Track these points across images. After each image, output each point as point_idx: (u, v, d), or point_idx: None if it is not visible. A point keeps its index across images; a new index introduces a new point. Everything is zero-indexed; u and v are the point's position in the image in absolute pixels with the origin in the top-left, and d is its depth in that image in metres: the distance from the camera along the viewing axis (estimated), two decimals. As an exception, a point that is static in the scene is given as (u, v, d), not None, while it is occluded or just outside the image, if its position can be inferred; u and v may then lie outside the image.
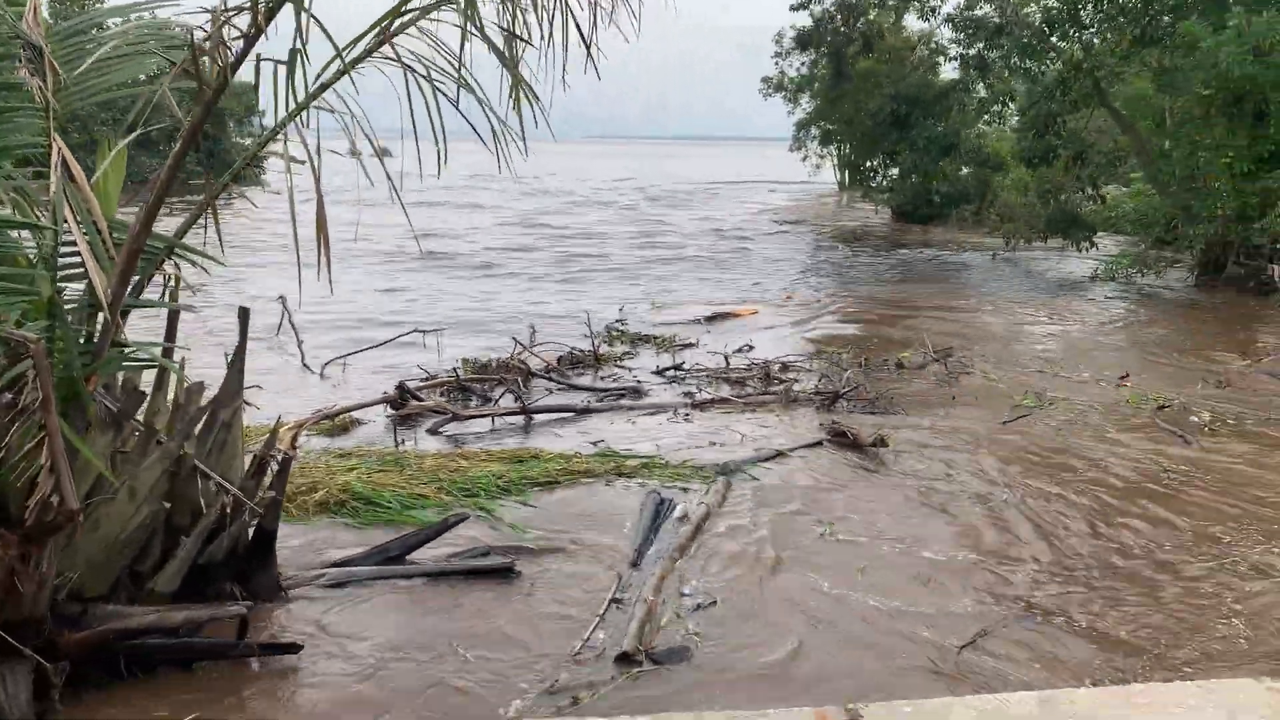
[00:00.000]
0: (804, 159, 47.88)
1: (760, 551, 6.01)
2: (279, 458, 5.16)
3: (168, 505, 4.49)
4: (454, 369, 10.38)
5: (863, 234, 30.24)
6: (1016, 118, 23.62)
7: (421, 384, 9.75)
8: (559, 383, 10.59)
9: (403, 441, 8.20)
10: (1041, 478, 7.43)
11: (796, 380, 10.32)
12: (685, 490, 6.93)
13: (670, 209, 39.09)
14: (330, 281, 4.05)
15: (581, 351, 11.93)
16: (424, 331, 12.41)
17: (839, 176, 49.41)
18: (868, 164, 37.37)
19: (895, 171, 35.08)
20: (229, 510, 4.79)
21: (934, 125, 25.90)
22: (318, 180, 4.04)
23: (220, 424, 4.93)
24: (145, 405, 4.49)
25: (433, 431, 8.59)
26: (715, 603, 5.33)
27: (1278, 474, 7.66)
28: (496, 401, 9.49)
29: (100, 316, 4.10)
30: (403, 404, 9.29)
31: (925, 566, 5.83)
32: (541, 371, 10.95)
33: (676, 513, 6.43)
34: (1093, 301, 17.57)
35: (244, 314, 5.22)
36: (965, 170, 26.46)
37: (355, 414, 8.79)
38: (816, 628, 5.10)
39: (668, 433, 8.62)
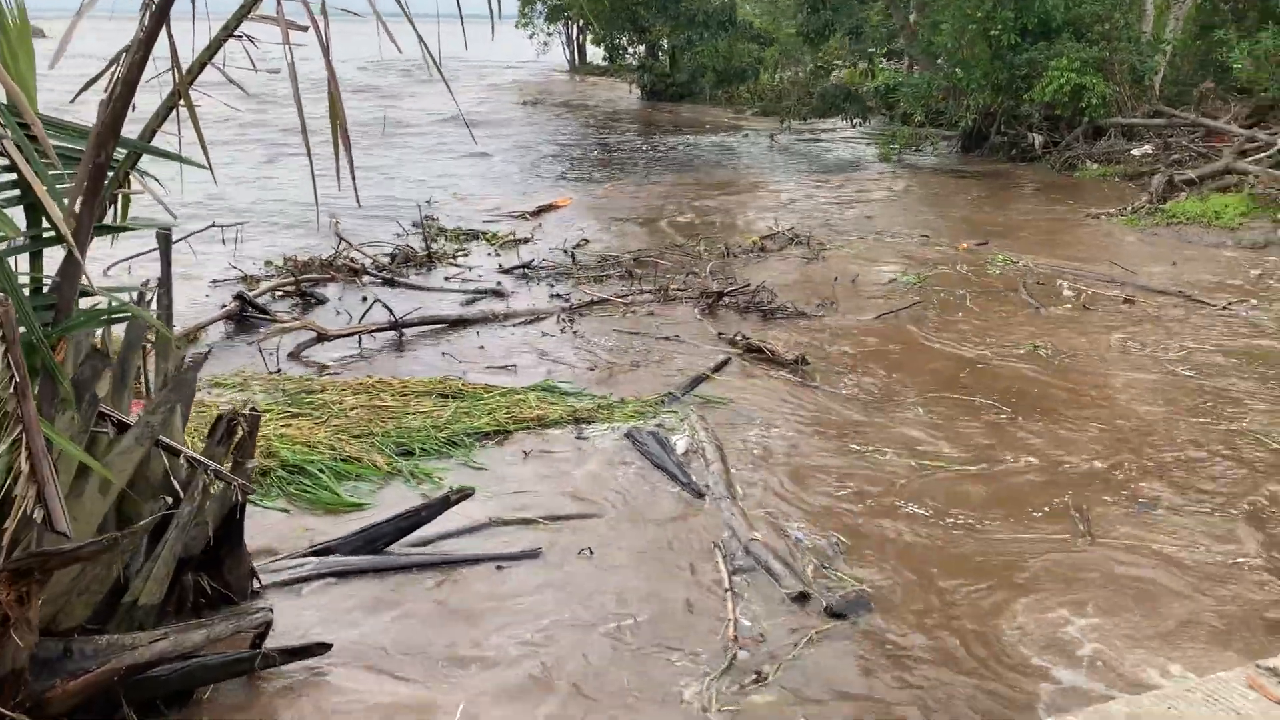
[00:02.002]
0: (531, 36, 46.01)
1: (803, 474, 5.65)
2: (249, 416, 4.12)
3: (169, 500, 3.45)
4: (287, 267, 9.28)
5: (626, 116, 29.64)
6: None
7: (259, 293, 8.62)
8: (397, 283, 9.62)
9: (278, 370, 7.09)
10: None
11: (663, 275, 9.87)
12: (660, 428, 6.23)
13: (397, 96, 36.28)
14: (355, 182, 3.10)
15: (411, 248, 10.88)
16: (223, 226, 10.88)
17: (570, 55, 48.26)
18: (616, 41, 36.53)
19: (643, 49, 34.62)
20: (209, 490, 3.78)
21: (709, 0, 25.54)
22: (327, 52, 3.05)
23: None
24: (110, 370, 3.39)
25: (295, 356, 7.50)
26: (838, 540, 4.92)
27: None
28: (360, 319, 8.38)
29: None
30: (245, 319, 8.14)
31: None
32: (375, 271, 9.92)
33: (680, 449, 5.85)
34: (879, 177, 18.05)
35: (164, 238, 4.11)
36: (739, 46, 26.33)
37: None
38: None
39: (568, 348, 7.89)
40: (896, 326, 8.56)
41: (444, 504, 4.87)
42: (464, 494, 4.89)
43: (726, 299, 8.85)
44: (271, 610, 3.72)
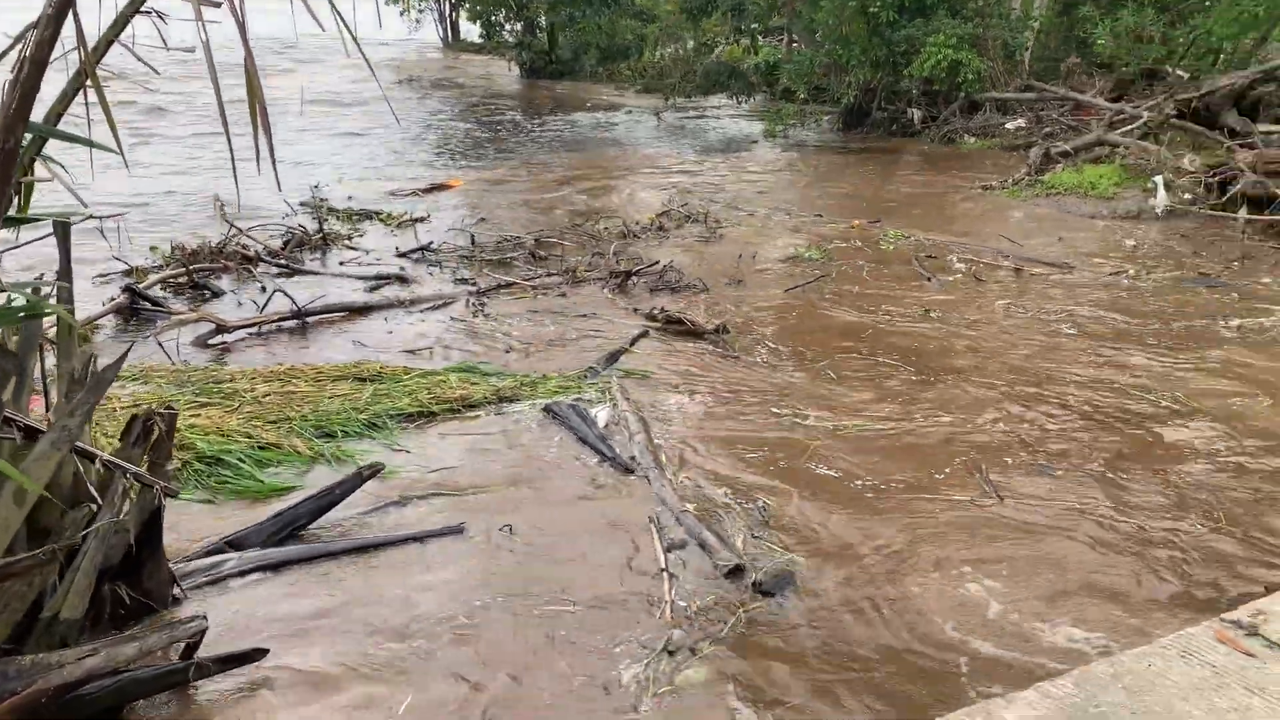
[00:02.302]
0: (403, 13, 44.86)
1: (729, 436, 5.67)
2: (165, 414, 3.89)
3: (93, 507, 3.23)
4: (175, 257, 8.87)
5: (507, 94, 29.22)
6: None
7: (149, 285, 8.22)
8: (294, 269, 9.31)
9: (183, 362, 6.77)
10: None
11: (567, 256, 9.79)
12: (581, 402, 6.20)
13: (264, 74, 34.79)
14: (275, 165, 2.98)
15: (305, 231, 10.53)
16: (101, 218, 10.30)
17: (443, 32, 47.30)
18: (493, 18, 35.87)
19: (521, 26, 34.13)
20: (129, 495, 3.57)
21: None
22: (243, 28, 2.90)
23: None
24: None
25: (197, 347, 7.19)
26: (764, 505, 4.95)
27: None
28: (263, 308, 8.06)
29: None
30: (136, 312, 7.79)
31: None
32: (269, 258, 9.58)
33: (601, 421, 5.80)
34: (766, 154, 18.25)
35: (62, 228, 3.86)
36: (622, 23, 26.16)
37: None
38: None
39: (482, 330, 7.75)
40: (804, 299, 8.69)
41: (357, 480, 4.82)
42: (374, 470, 4.84)
43: (635, 278, 8.82)
44: (206, 618, 3.54)
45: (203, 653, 3.56)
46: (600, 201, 13.44)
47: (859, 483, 5.27)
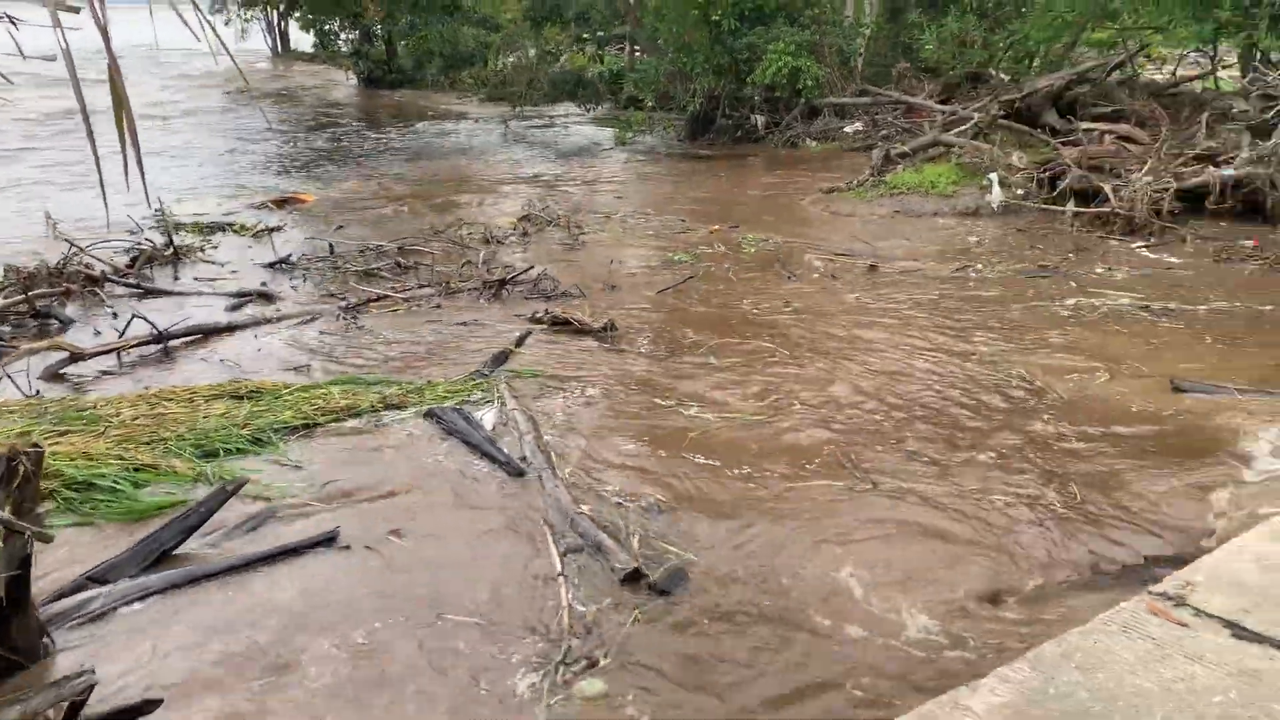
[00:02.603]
0: (227, 23, 43.31)
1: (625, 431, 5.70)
2: (31, 453, 3.66)
3: None
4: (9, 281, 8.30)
5: (347, 105, 28.54)
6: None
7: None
8: (147, 289, 8.90)
9: (36, 393, 6.37)
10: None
11: (434, 266, 9.67)
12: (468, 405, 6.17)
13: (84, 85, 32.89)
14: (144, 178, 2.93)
15: (154, 246, 10.07)
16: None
17: (272, 42, 45.92)
18: (327, 27, 34.99)
19: (357, 35, 33.46)
20: None
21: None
22: (106, 35, 2.84)
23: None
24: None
25: (49, 378, 6.78)
26: (656, 501, 4.98)
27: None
28: (123, 333, 7.66)
29: None
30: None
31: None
32: (117, 278, 9.12)
33: (488, 424, 5.76)
34: (618, 162, 18.44)
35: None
36: (465, 31, 25.87)
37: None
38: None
39: (359, 343, 7.58)
40: (678, 299, 8.85)
41: (221, 496, 4.70)
42: (239, 484, 4.76)
43: (510, 286, 8.80)
44: (94, 671, 3.32)
45: (96, 710, 3.34)
46: (458, 209, 13.30)
47: (742, 472, 5.40)
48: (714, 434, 5.87)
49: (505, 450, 5.51)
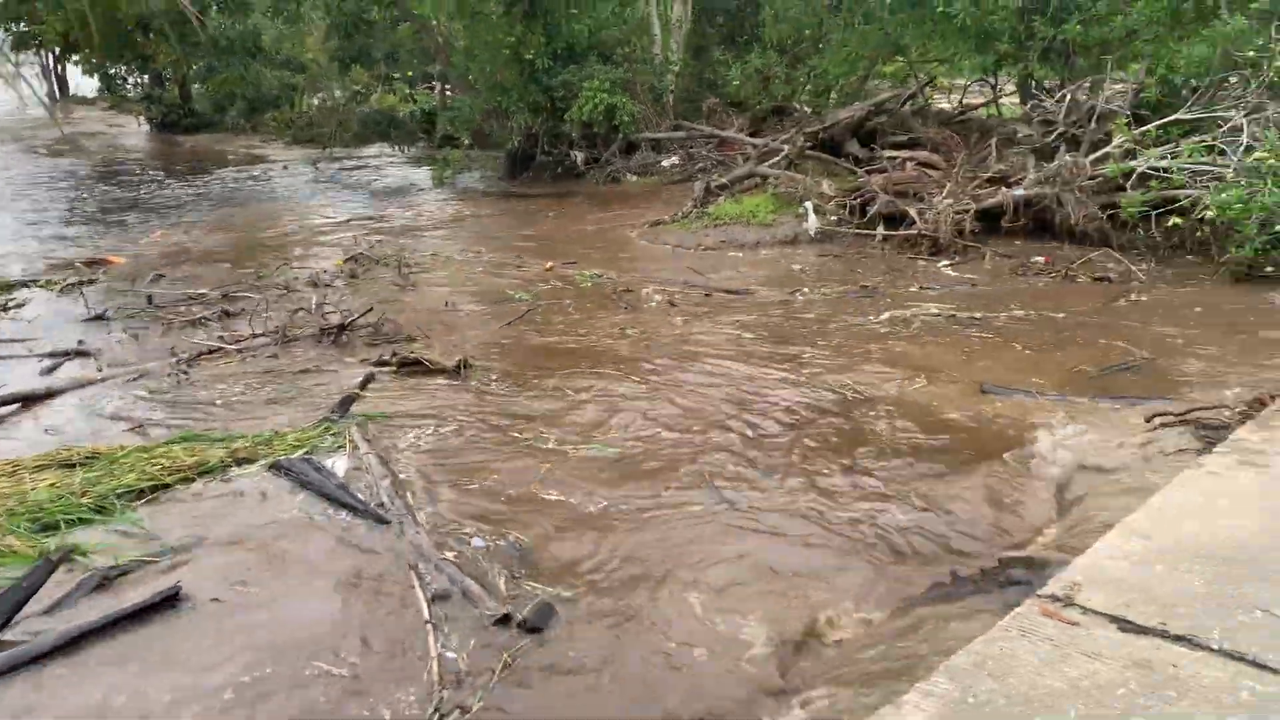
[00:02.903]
0: (-8, 68, 40.54)
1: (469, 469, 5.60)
2: None
3: None
4: None
5: (140, 151, 27.11)
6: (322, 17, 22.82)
7: None
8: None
9: None
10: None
11: (263, 313, 9.32)
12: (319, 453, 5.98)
13: None
14: None
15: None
16: None
17: (50, 87, 43.20)
18: (113, 71, 33.16)
19: (148, 79, 31.90)
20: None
21: (232, 25, 23.73)
22: None
23: None
24: None
25: None
26: (517, 540, 4.94)
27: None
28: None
29: None
30: None
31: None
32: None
33: (340, 471, 5.59)
34: (439, 202, 18.27)
35: None
36: (269, 73, 24.93)
37: None
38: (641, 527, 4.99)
39: (196, 397, 7.21)
40: (522, 334, 8.85)
41: (48, 568, 4.44)
42: (64, 554, 4.54)
43: (349, 332, 8.56)
44: None
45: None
46: (277, 254, 12.89)
47: (601, 501, 5.44)
48: (571, 465, 5.90)
49: (361, 498, 5.37)
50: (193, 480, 5.58)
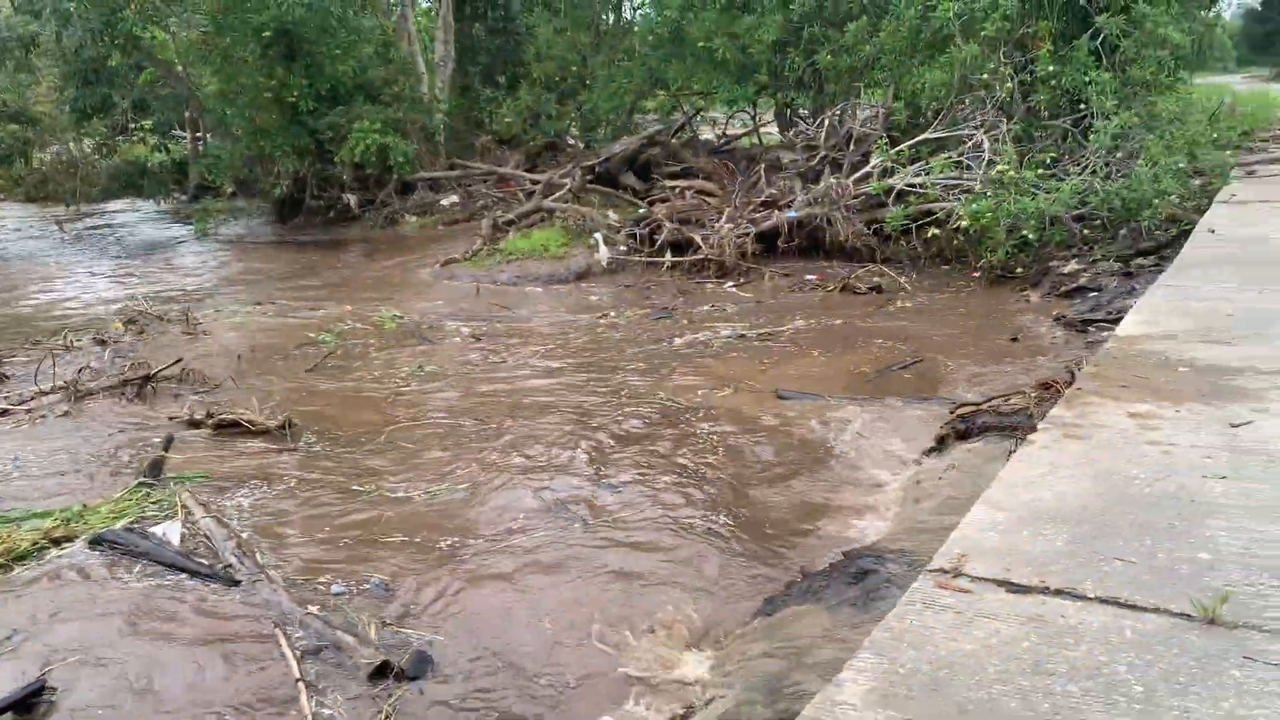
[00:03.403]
0: None
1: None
2: None
3: None
4: None
5: None
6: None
7: None
8: None
9: None
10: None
11: (53, 369, 8.61)
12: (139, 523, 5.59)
13: None
14: None
15: None
16: None
17: None
18: None
19: None
20: None
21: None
22: None
23: None
24: None
25: None
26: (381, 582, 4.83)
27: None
28: None
29: None
30: None
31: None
32: None
33: (174, 537, 5.27)
34: (204, 253, 17.41)
35: None
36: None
37: None
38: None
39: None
40: (332, 380, 8.60)
41: None
42: None
43: (153, 384, 8.03)
44: None
45: None
46: (42, 318, 11.91)
47: (452, 540, 5.41)
48: (419, 509, 5.83)
49: (204, 562, 5.11)
50: (10, 568, 5.10)
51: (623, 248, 13.83)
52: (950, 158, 12.50)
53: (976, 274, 11.88)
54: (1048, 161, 12.00)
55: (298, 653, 4.32)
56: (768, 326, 10.10)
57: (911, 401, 7.42)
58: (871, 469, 6.41)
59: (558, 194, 15.84)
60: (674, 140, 17.55)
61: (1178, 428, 4.29)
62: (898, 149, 13.03)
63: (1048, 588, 3.09)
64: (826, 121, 14.57)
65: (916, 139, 13.28)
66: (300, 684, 4.12)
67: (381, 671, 4.17)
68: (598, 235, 13.81)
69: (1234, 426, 4.25)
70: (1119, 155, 11.82)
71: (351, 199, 19.04)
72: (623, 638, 4.49)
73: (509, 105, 19.49)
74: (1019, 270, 11.62)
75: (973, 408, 6.65)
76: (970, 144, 12.57)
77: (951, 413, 6.73)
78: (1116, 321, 9.37)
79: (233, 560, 5.12)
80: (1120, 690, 2.56)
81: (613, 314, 10.94)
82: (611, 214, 14.85)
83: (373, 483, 6.24)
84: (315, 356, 9.27)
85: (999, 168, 11.88)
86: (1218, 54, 27.97)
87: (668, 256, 13.32)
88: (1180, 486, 3.71)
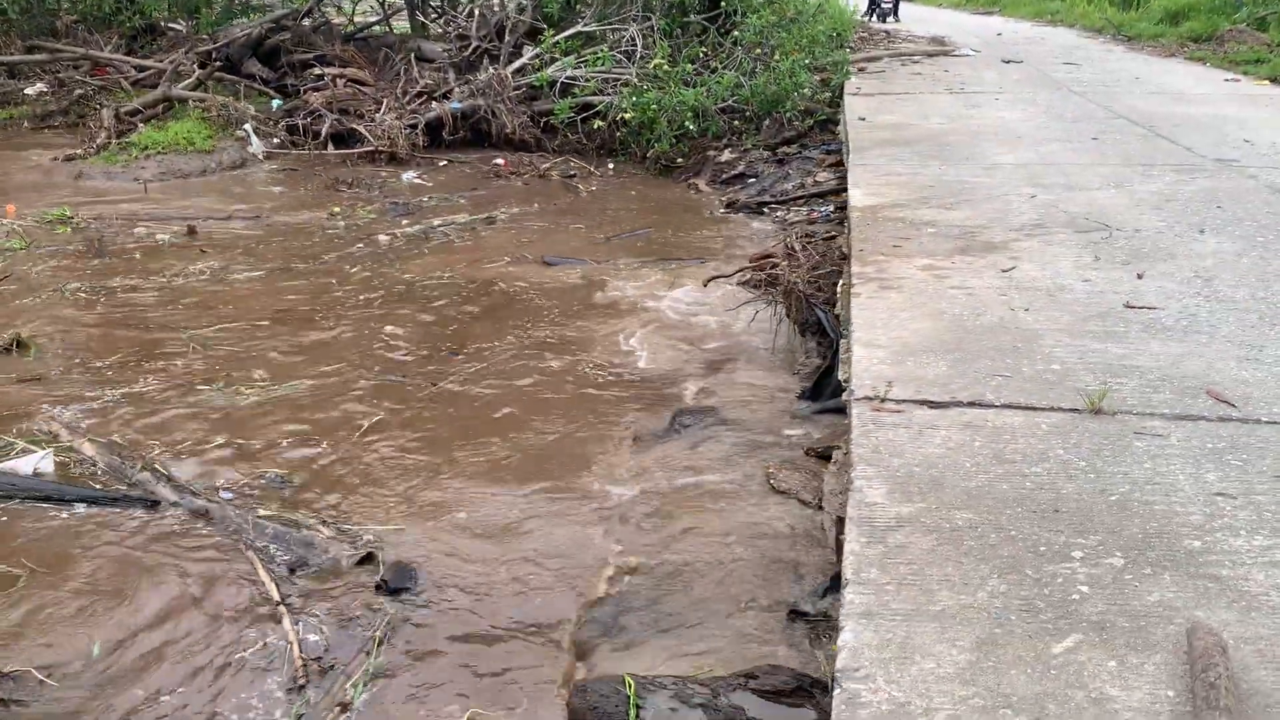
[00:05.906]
0: None
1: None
2: None
3: None
4: None
5: None
6: None
7: None
8: None
9: None
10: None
11: None
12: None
13: None
14: None
15: None
16: None
17: None
18: None
19: None
20: None
21: None
22: None
23: None
24: None
25: None
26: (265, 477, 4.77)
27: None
28: None
29: None
30: None
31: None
32: None
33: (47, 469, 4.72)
34: None
35: None
36: None
37: None
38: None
39: None
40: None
41: None
42: None
43: None
44: None
45: None
46: None
47: (341, 433, 5.39)
48: (269, 407, 5.63)
49: (99, 488, 4.68)
50: None
51: (275, 140, 13.04)
52: (606, 52, 13.06)
53: (644, 163, 12.69)
54: (699, 56, 12.96)
55: (270, 572, 4.04)
56: (487, 212, 10.35)
57: (677, 263, 8.26)
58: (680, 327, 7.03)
59: (185, 83, 14.40)
60: (304, 25, 16.48)
61: (964, 275, 5.26)
62: (553, 39, 13.36)
63: (960, 401, 3.80)
64: (477, 11, 14.52)
65: (569, 31, 13.69)
66: (281, 605, 3.82)
67: (367, 561, 4.09)
68: (247, 126, 12.90)
69: (1004, 271, 5.29)
70: (757, 52, 13.03)
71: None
72: (558, 494, 4.63)
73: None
74: (679, 160, 12.58)
75: (726, 276, 7.39)
76: (625, 38, 13.22)
77: (704, 284, 7.42)
78: (784, 203, 10.66)
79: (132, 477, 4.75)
80: (1069, 466, 3.31)
81: (337, 209, 10.41)
82: (246, 105, 13.83)
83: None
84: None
85: (654, 62, 12.67)
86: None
87: (330, 149, 12.80)
88: (1000, 319, 4.63)
